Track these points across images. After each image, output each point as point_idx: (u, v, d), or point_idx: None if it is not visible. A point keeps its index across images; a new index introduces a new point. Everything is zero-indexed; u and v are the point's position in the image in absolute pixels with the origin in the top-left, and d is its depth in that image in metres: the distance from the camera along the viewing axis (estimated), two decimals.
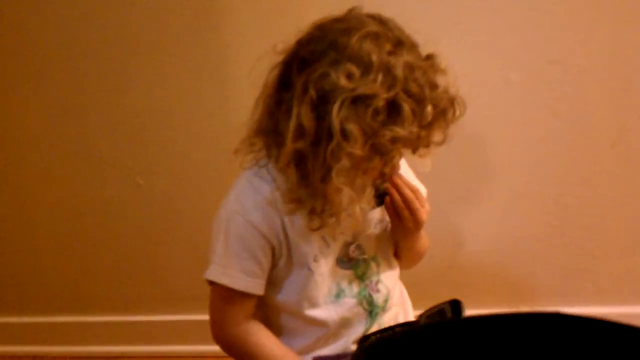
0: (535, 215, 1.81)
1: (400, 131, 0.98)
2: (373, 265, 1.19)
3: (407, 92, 0.98)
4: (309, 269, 1.13)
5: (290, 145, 1.01)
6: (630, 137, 1.76)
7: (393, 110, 0.98)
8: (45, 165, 1.93)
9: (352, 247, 1.17)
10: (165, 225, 1.91)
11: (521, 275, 1.84)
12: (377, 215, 1.19)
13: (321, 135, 0.99)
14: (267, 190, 1.10)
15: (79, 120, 1.87)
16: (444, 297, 1.79)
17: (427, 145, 1.05)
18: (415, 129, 0.99)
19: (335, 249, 1.15)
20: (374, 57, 0.98)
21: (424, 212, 1.15)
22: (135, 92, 1.84)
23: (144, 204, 1.90)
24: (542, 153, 1.78)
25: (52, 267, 1.99)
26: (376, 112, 0.97)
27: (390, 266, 1.22)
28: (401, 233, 1.19)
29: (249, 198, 1.11)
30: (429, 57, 1.04)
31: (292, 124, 1.00)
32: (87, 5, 1.79)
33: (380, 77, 0.97)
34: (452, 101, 1.04)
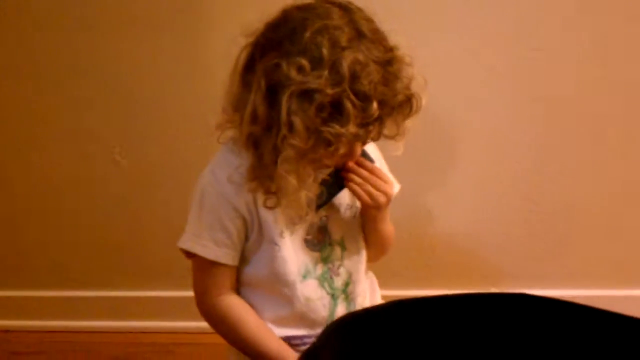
0: (509, 200, 1.83)
1: (341, 129, 0.99)
2: (337, 249, 1.21)
3: (353, 90, 0.98)
4: (276, 243, 1.15)
5: (246, 128, 1.04)
6: (608, 125, 1.77)
7: (336, 107, 0.99)
8: (28, 138, 1.92)
9: (316, 228, 1.19)
10: (145, 201, 1.92)
11: (492, 258, 1.86)
12: (347, 200, 1.21)
13: (271, 123, 1.01)
14: (238, 164, 1.12)
15: (59, 95, 1.87)
16: (414, 278, 1.84)
17: (376, 139, 1.07)
18: (356, 128, 1.00)
19: (301, 228, 1.17)
20: (325, 52, 0.99)
21: (382, 194, 1.16)
22: (122, 70, 1.84)
23: (123, 180, 1.90)
24: (524, 140, 1.79)
25: (30, 242, 1.99)
26: (320, 107, 0.98)
27: (357, 252, 1.24)
28: (365, 215, 1.22)
29: (223, 171, 1.13)
30: (392, 50, 1.05)
31: (248, 108, 1.03)
32: None
33: (326, 73, 0.98)
34: (409, 97, 1.04)
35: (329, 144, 1.01)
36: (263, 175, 1.07)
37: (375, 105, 1.00)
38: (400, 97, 1.03)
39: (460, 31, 1.73)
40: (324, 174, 1.12)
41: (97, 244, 1.96)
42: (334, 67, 0.98)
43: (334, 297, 1.21)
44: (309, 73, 0.98)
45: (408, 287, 1.75)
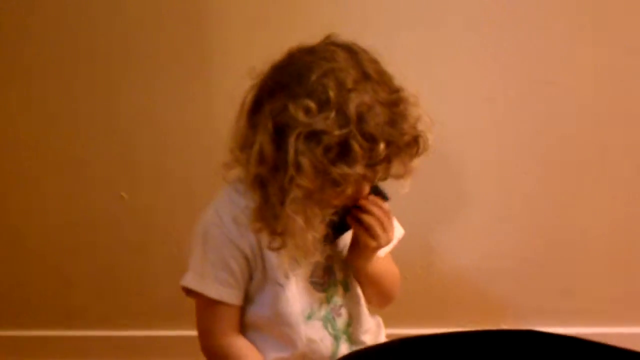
0: (519, 235, 1.82)
1: (348, 170, 0.99)
2: (340, 288, 1.21)
3: (360, 131, 0.99)
4: (279, 284, 1.14)
5: (252, 168, 1.04)
6: (613, 158, 1.77)
7: (344, 148, 0.99)
8: (30, 176, 1.92)
9: (321, 269, 1.18)
10: (149, 239, 1.91)
11: (501, 294, 1.85)
12: (349, 240, 1.20)
13: (279, 163, 1.01)
14: (244, 205, 1.11)
15: (65, 132, 1.88)
16: (422, 315, 1.82)
17: (385, 178, 1.06)
18: (364, 168, 1.00)
19: (306, 268, 1.17)
20: (331, 94, 1.00)
21: (386, 237, 1.14)
22: (123, 105, 1.84)
23: (128, 217, 1.90)
24: (526, 173, 1.79)
25: (32, 281, 1.98)
26: (327, 149, 0.99)
27: (357, 292, 1.22)
28: (358, 255, 1.18)
29: (227, 211, 1.13)
30: (397, 91, 1.05)
31: (255, 148, 1.03)
32: (78, 15, 1.80)
33: (333, 115, 0.99)
34: (416, 137, 1.04)
35: (336, 184, 1.01)
36: (269, 215, 1.06)
37: (382, 145, 1.00)
38: (407, 138, 1.03)
39: (464, 65, 1.73)
40: (329, 214, 1.10)
41: (102, 282, 1.95)
42: (341, 109, 0.99)
43: (336, 337, 1.20)
44: (316, 115, 0.99)
45: (417, 324, 1.71)
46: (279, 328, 1.16)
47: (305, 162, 0.99)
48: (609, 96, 1.74)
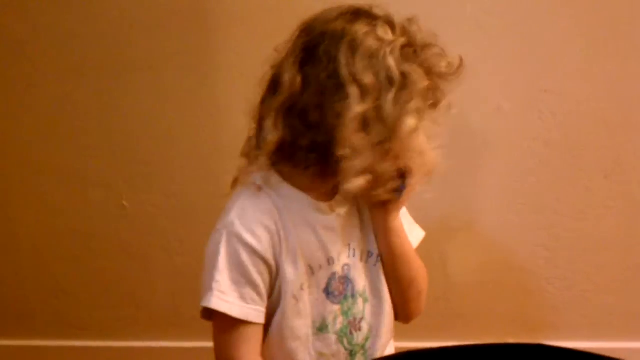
0: (527, 247, 1.81)
1: (449, 61, 1.06)
2: (360, 301, 1.16)
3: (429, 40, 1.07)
4: (294, 296, 1.10)
5: (356, 109, 1.01)
6: (624, 168, 1.77)
7: (431, 50, 1.06)
8: (30, 184, 1.91)
9: (337, 279, 1.14)
10: (149, 249, 1.89)
11: (510, 307, 1.83)
12: (368, 247, 1.17)
13: (382, 87, 1.02)
14: (268, 207, 1.08)
15: (65, 139, 1.87)
16: (431, 328, 1.80)
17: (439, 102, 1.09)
18: (446, 68, 1.07)
19: (321, 278, 1.12)
20: (391, 19, 1.07)
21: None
22: (125, 113, 1.84)
23: (128, 227, 1.88)
24: (534, 183, 1.78)
25: (33, 290, 1.97)
26: (422, 51, 1.05)
27: (379, 304, 1.18)
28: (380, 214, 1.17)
29: (249, 218, 1.08)
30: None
31: (353, 88, 1.02)
32: (80, 24, 1.79)
33: (410, 30, 1.06)
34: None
35: (438, 83, 1.06)
36: (374, 159, 1.04)
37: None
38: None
39: (469, 71, 1.71)
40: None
41: (101, 292, 1.94)
42: (411, 25, 1.07)
43: (352, 353, 1.15)
44: (394, 34, 1.04)
45: (424, 338, 1.70)
46: (287, 343, 1.11)
47: (411, 68, 1.02)
48: (620, 105, 1.74)
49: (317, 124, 1.04)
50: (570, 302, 1.82)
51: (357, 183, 1.04)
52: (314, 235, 1.11)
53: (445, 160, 1.07)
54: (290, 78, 1.06)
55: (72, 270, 1.93)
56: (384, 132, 1.02)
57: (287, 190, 1.09)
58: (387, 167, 1.06)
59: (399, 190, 1.11)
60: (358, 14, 1.07)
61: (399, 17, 1.08)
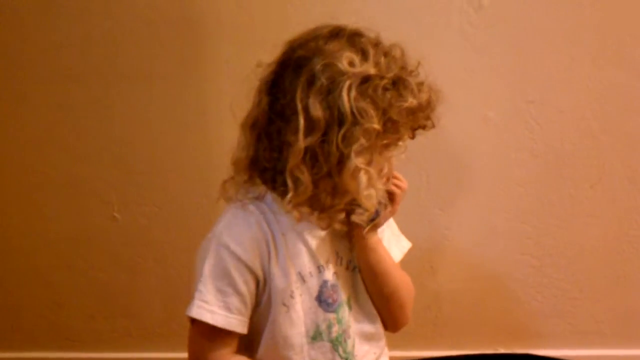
0: (514, 255, 1.81)
1: (413, 101, 1.03)
2: (346, 308, 1.18)
3: (407, 70, 1.06)
4: (284, 304, 1.11)
5: (301, 143, 1.02)
6: (610, 177, 1.76)
7: (398, 86, 1.03)
8: (23, 194, 1.90)
9: (330, 287, 1.15)
10: (142, 260, 1.88)
11: (500, 316, 1.82)
12: (348, 255, 1.18)
13: (331, 122, 1.02)
14: (254, 221, 1.10)
15: (58, 149, 1.86)
16: (422, 337, 1.80)
17: (424, 127, 1.09)
18: (416, 102, 1.04)
19: (312, 286, 1.14)
20: (368, 46, 1.04)
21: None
22: (117, 125, 1.83)
23: (120, 237, 1.88)
24: (521, 193, 1.78)
25: (25, 301, 1.96)
26: (385, 88, 1.02)
27: (360, 311, 1.20)
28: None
29: (236, 230, 1.10)
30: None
31: (301, 120, 1.02)
32: (72, 33, 1.79)
33: (382, 60, 1.03)
34: (429, 87, 1.08)
35: (397, 125, 1.04)
36: (318, 192, 1.05)
37: (425, 84, 1.07)
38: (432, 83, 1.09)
39: (456, 81, 1.73)
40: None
41: (94, 303, 1.93)
42: (386, 54, 1.05)
43: None
44: (360, 64, 1.02)
45: (415, 347, 1.71)
46: (280, 352, 1.13)
47: (366, 106, 1.01)
48: (605, 115, 1.74)
49: (280, 149, 1.06)
50: (558, 310, 1.82)
51: (294, 214, 1.07)
52: (302, 243, 1.13)
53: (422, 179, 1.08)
54: (260, 99, 1.09)
55: (65, 281, 1.92)
56: (327, 167, 1.03)
57: (274, 200, 1.11)
58: (333, 202, 1.07)
59: (373, 217, 1.13)
60: (335, 36, 1.06)
61: (383, 40, 1.07)
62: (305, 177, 1.04)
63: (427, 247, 1.80)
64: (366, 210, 1.08)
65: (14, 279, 1.95)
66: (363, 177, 1.03)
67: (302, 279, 1.13)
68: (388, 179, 1.13)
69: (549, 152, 1.75)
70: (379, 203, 1.10)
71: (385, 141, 1.05)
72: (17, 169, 1.89)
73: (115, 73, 1.80)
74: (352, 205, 1.10)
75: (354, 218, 1.11)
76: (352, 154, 1.01)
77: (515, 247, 1.81)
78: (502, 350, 1.73)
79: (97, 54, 1.79)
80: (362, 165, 1.02)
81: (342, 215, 1.10)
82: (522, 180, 1.77)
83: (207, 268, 1.09)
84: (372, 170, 1.04)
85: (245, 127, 1.10)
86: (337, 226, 1.12)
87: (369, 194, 1.05)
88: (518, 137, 1.75)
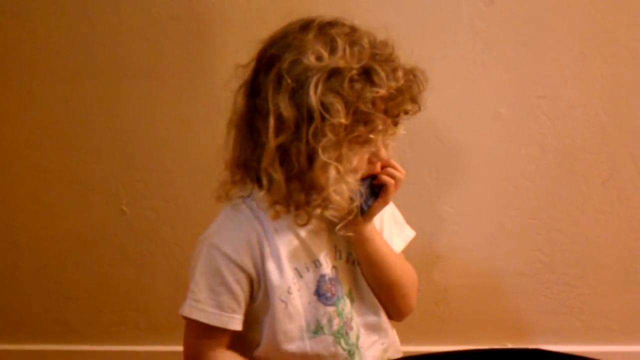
0: (524, 251, 1.81)
1: (380, 90, 1.01)
2: (348, 301, 1.18)
3: (378, 58, 1.03)
4: (282, 300, 1.12)
5: (272, 142, 1.03)
6: (620, 173, 1.76)
7: (368, 75, 1.02)
8: (30, 189, 1.91)
9: (328, 281, 1.16)
10: (149, 254, 1.89)
11: (508, 312, 1.83)
12: (348, 248, 1.19)
13: (300, 120, 1.02)
14: (245, 222, 1.11)
15: (66, 144, 1.87)
16: (430, 332, 1.80)
17: (406, 112, 1.08)
18: (390, 89, 1.02)
19: (310, 281, 1.15)
20: (337, 37, 1.03)
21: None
22: (124, 120, 1.84)
23: (128, 232, 1.88)
24: (531, 188, 1.78)
25: (32, 294, 1.97)
26: (352, 80, 1.01)
27: (362, 302, 1.20)
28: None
29: (227, 231, 1.12)
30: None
31: (271, 120, 1.02)
32: (79, 30, 1.79)
33: (348, 50, 1.02)
34: (413, 72, 1.07)
35: (366, 117, 1.02)
36: (291, 190, 1.05)
37: (400, 71, 1.04)
38: (413, 67, 1.08)
39: (466, 77, 1.73)
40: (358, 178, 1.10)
41: (102, 296, 1.94)
42: (354, 44, 1.03)
43: (350, 353, 1.17)
44: (328, 58, 1.01)
45: (422, 342, 1.71)
46: (282, 347, 1.13)
47: (333, 100, 1.00)
48: (617, 111, 1.73)
49: (258, 148, 1.06)
50: (567, 306, 1.82)
51: (270, 212, 1.08)
52: (297, 239, 1.14)
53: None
54: (238, 99, 1.10)
55: (73, 274, 1.93)
56: (299, 165, 1.03)
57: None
58: (308, 199, 1.07)
59: (362, 208, 1.12)
60: (304, 29, 1.06)
61: (360, 27, 1.06)
62: (279, 175, 1.05)
63: (436, 243, 1.81)
64: (336, 205, 1.07)
65: (23, 274, 1.96)
66: (332, 172, 1.03)
67: (299, 274, 1.14)
68: (374, 172, 1.12)
69: (559, 147, 1.75)
70: (360, 195, 1.10)
71: (356, 134, 1.04)
72: (24, 166, 1.90)
73: (123, 70, 1.80)
74: (327, 201, 1.08)
75: (327, 214, 1.10)
76: (320, 150, 1.01)
77: (525, 243, 1.81)
78: (510, 346, 1.74)
79: (103, 51, 1.80)
80: (331, 161, 1.02)
81: (319, 211, 1.08)
82: (533, 176, 1.77)
83: (199, 268, 1.12)
84: (342, 166, 1.04)
85: (230, 127, 1.12)
86: (315, 222, 1.12)
87: (339, 188, 1.05)
88: (529, 132, 1.75)
